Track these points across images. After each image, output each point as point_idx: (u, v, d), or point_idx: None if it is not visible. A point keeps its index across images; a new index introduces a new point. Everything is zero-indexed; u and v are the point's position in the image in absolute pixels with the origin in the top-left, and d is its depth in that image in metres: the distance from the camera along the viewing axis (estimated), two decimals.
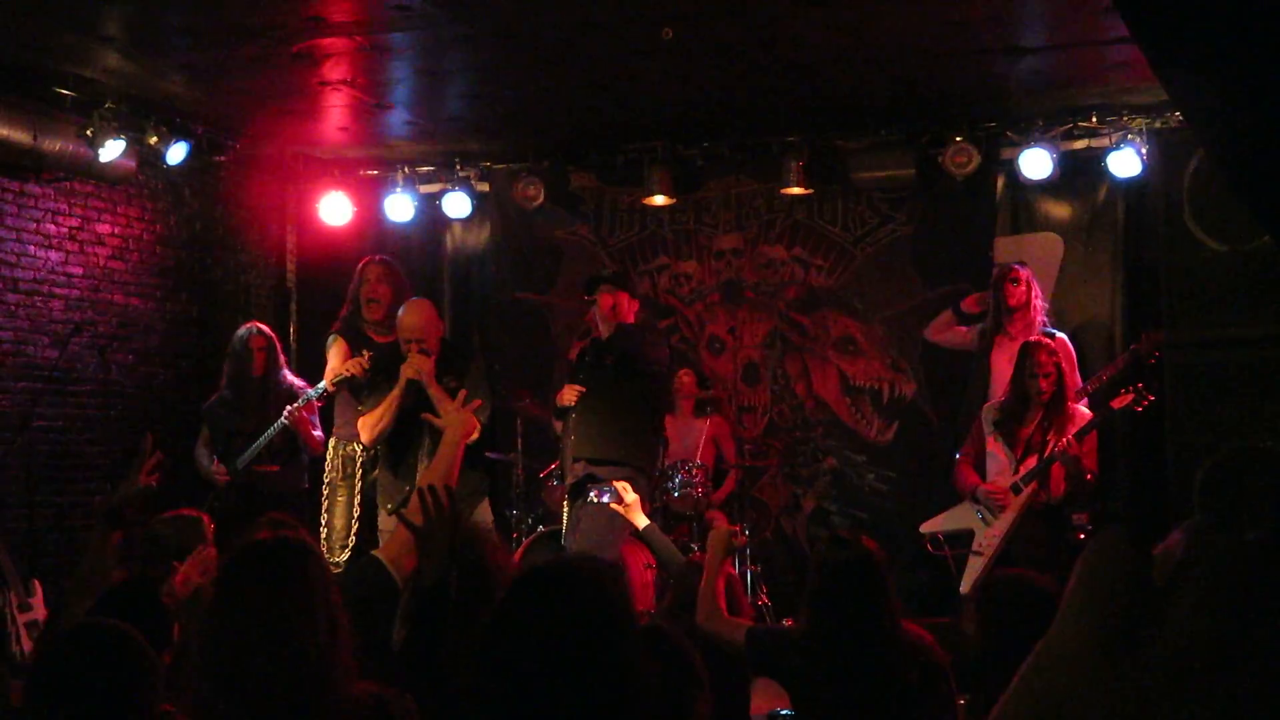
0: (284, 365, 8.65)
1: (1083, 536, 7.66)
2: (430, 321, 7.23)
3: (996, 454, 7.62)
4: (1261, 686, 2.48)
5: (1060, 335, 8.25)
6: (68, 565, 8.60)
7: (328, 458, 8.16)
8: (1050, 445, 7.36)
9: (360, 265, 8.35)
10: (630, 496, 6.24)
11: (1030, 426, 7.52)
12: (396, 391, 7.12)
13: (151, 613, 3.93)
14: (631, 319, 7.64)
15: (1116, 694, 2.50)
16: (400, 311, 7.32)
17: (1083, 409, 7.64)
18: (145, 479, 4.49)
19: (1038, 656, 2.60)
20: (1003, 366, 8.08)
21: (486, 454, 8.96)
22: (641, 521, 6.11)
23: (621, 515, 7.17)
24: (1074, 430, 7.36)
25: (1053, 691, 2.56)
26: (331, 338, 8.18)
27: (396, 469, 7.27)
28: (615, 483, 6.56)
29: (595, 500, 7.11)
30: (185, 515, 5.37)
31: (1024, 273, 8.43)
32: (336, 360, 8.01)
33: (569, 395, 7.45)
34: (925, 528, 7.87)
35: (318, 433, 8.38)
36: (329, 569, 3.18)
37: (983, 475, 7.68)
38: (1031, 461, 7.42)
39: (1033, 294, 8.37)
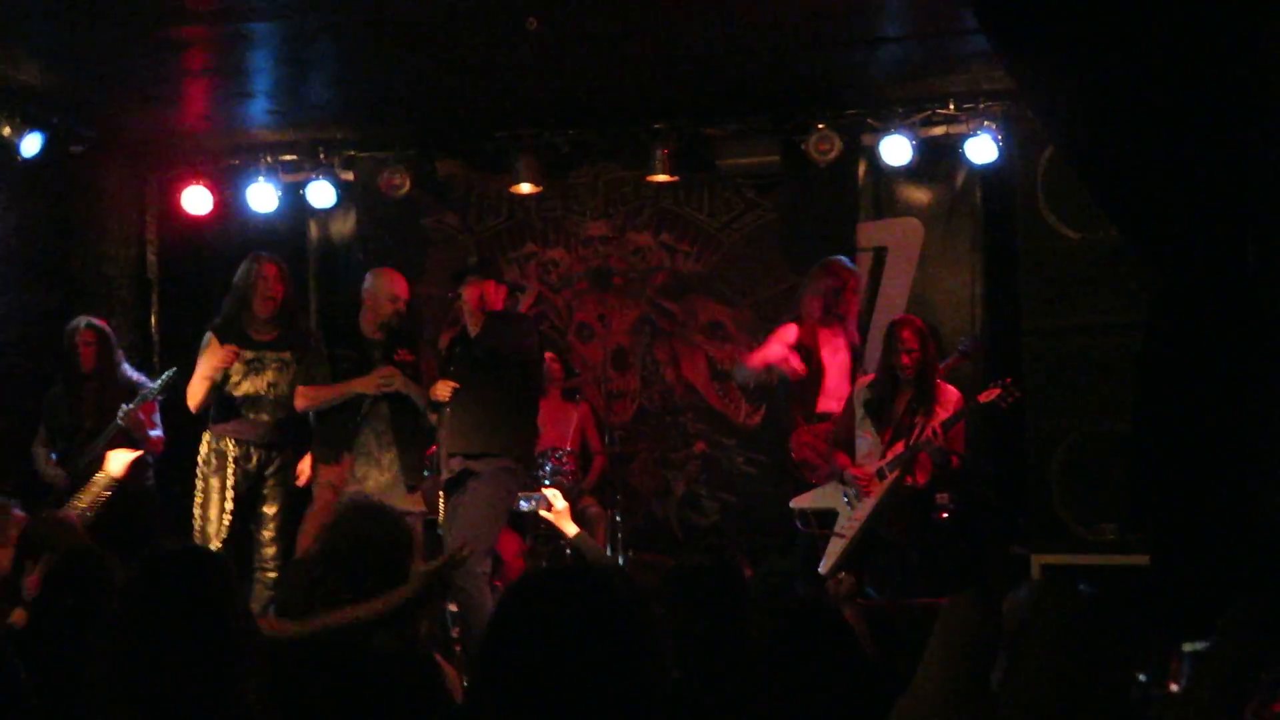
0: (120, 360, 8.35)
1: (945, 515, 7.84)
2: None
3: (865, 436, 7.76)
4: None
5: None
6: None
7: (202, 451, 7.96)
8: (917, 430, 7.51)
9: (254, 262, 8.09)
10: (560, 504, 6.24)
11: (900, 406, 7.65)
12: (357, 389, 7.57)
13: None
14: (500, 306, 7.64)
15: None
16: (379, 280, 7.85)
17: (952, 389, 7.78)
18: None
19: (899, 708, 2.85)
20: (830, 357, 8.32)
21: None
22: (571, 530, 6.12)
23: (499, 506, 7.22)
24: (943, 414, 7.50)
25: None
26: (207, 336, 8.01)
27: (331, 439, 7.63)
28: (544, 489, 6.55)
29: (524, 508, 7.15)
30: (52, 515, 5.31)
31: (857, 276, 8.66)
32: (210, 360, 7.85)
33: (443, 390, 7.45)
34: (795, 503, 8.01)
35: (156, 432, 8.12)
36: (234, 573, 3.19)
37: (852, 454, 7.82)
38: (899, 447, 7.57)
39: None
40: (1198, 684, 2.91)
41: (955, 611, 2.90)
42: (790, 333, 8.51)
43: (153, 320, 10.54)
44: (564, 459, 8.96)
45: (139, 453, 7.48)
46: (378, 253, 10.30)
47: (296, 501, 7.97)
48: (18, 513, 5.36)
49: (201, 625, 3.01)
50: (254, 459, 7.91)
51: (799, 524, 8.00)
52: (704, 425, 9.86)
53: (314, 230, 10.60)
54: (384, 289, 7.85)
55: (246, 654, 3.07)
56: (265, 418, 7.94)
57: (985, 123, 8.84)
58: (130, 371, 8.39)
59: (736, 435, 9.79)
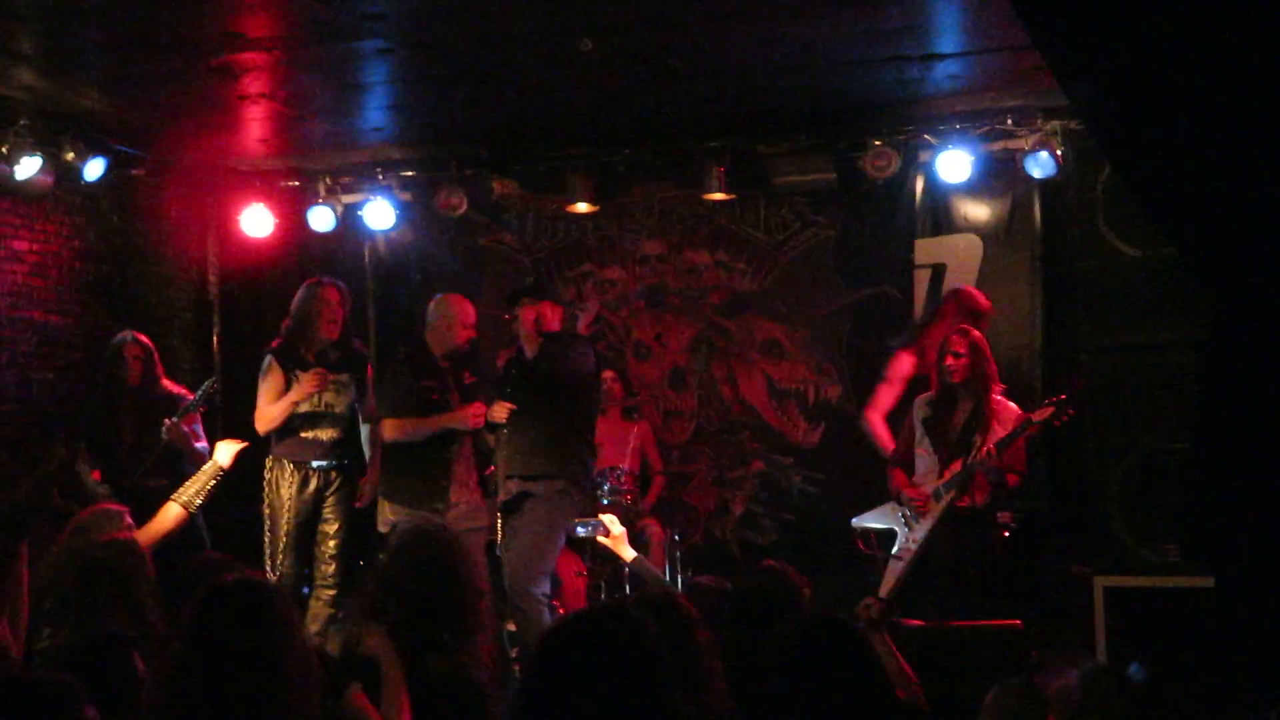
0: (161, 374, 8.34)
1: (1006, 535, 7.75)
2: None
3: (923, 454, 7.68)
4: None
5: None
6: None
7: (267, 478, 7.96)
8: (975, 449, 7.40)
9: (317, 287, 8.11)
10: (616, 530, 6.23)
11: (958, 423, 7.55)
12: (449, 423, 7.74)
13: None
14: (556, 327, 7.67)
15: None
16: (449, 307, 7.94)
17: (1013, 406, 7.64)
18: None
19: None
20: None
21: None
22: (628, 554, 6.11)
23: (556, 528, 7.23)
24: (1000, 431, 7.38)
25: None
26: (267, 360, 8.04)
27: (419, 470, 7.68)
28: (601, 515, 6.54)
29: (580, 534, 7.20)
30: (106, 509, 5.37)
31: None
32: (302, 387, 7.83)
33: (500, 412, 7.50)
34: (856, 522, 7.94)
35: (200, 444, 8.09)
36: (292, 606, 3.22)
37: (910, 472, 7.74)
38: (956, 465, 7.46)
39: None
40: None
41: (1002, 694, 2.89)
42: (905, 365, 8.44)
43: (214, 341, 10.65)
44: (622, 478, 8.97)
45: (245, 444, 7.52)
46: (435, 273, 10.36)
47: (356, 520, 8.03)
48: (129, 520, 5.44)
49: (259, 657, 3.03)
50: (314, 479, 7.94)
51: (861, 544, 7.92)
52: (761, 444, 9.84)
53: (372, 251, 10.66)
54: (456, 316, 7.92)
55: (303, 683, 3.09)
56: (325, 437, 7.97)
57: (1045, 138, 8.75)
58: (170, 385, 8.40)
59: (794, 454, 9.76)
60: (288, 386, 7.88)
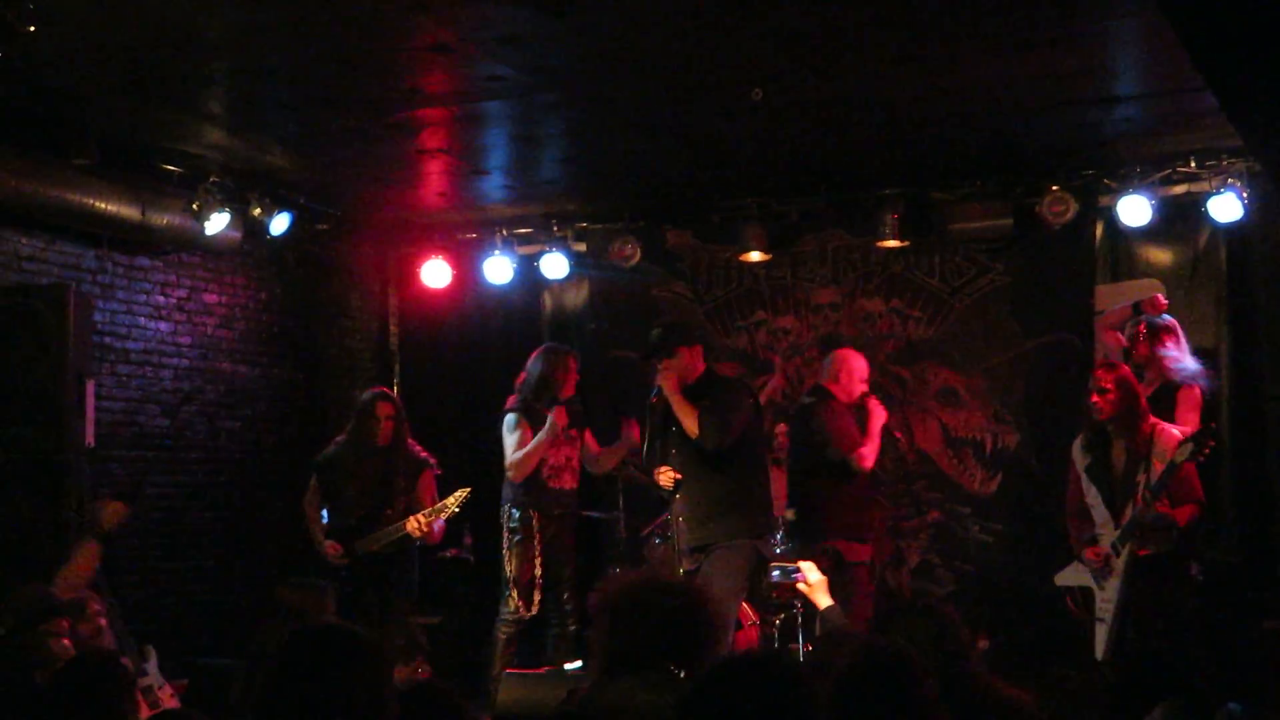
0: (408, 433, 8.49)
1: (1198, 578, 7.47)
2: None
3: (1095, 505, 7.43)
4: None
5: (1195, 385, 7.92)
6: (180, 630, 8.78)
7: (510, 522, 8.43)
8: (1140, 489, 7.15)
9: (557, 355, 8.66)
10: (815, 576, 6.18)
11: (1118, 465, 7.31)
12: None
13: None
14: (701, 365, 7.59)
15: None
16: (851, 364, 8.59)
17: (1173, 430, 7.33)
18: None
19: None
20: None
21: (585, 513, 9.15)
22: (824, 602, 6.05)
23: (738, 579, 7.21)
24: (1160, 466, 7.09)
25: None
26: (514, 418, 8.48)
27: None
28: (802, 563, 6.48)
29: (775, 578, 7.19)
30: (312, 582, 5.47)
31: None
32: (521, 439, 8.36)
33: (665, 480, 7.53)
34: (1059, 579, 7.63)
35: (439, 524, 8.35)
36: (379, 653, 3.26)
37: (1091, 523, 7.49)
38: (1127, 512, 7.22)
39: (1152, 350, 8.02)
40: None
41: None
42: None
43: (394, 391, 10.84)
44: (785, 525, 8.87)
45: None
46: (610, 323, 10.45)
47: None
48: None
49: (342, 700, 3.08)
50: (553, 525, 8.45)
51: (1071, 604, 7.62)
52: (938, 493, 9.70)
53: (548, 301, 10.79)
54: (854, 370, 8.61)
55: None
56: (565, 487, 8.55)
57: (1229, 180, 8.52)
58: (415, 447, 8.53)
59: (971, 503, 9.60)
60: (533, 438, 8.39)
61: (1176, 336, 8.08)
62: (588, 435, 8.71)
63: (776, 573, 7.41)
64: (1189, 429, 7.38)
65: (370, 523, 8.25)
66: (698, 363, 7.55)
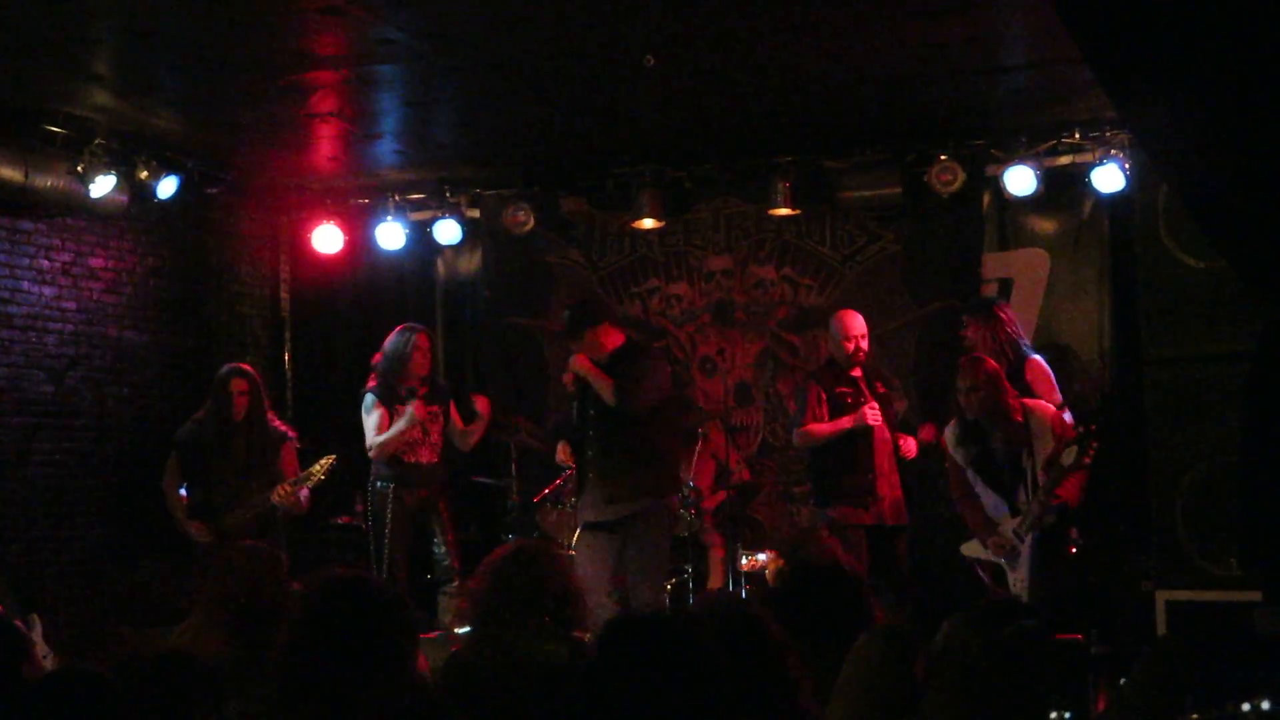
0: (268, 407, 8.64)
1: (1074, 551, 7.67)
2: None
3: (985, 493, 7.56)
4: None
5: (1035, 356, 8.19)
6: (65, 598, 8.67)
7: (372, 495, 8.58)
8: (1028, 473, 7.31)
9: (411, 334, 8.63)
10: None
11: (998, 452, 7.46)
12: None
13: None
14: (613, 339, 7.91)
15: None
16: (844, 323, 8.41)
17: (1045, 407, 7.54)
18: None
19: None
20: None
21: (476, 479, 9.20)
22: None
23: (666, 544, 7.86)
24: (1042, 450, 7.27)
25: None
26: (370, 399, 8.59)
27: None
28: None
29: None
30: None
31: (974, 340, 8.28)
32: (413, 419, 8.46)
33: (562, 456, 8.41)
34: (966, 550, 7.79)
35: (304, 492, 8.42)
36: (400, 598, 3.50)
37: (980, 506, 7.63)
38: (1020, 495, 7.36)
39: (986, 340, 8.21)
40: (1114, 716, 2.85)
41: (864, 646, 2.87)
42: None
43: (286, 357, 10.79)
44: (687, 494, 8.95)
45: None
46: (503, 290, 10.44)
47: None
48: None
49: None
50: (414, 498, 8.57)
51: (981, 574, 7.74)
52: None
53: (441, 267, 10.76)
54: (846, 329, 8.46)
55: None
56: (423, 461, 8.61)
57: (1112, 151, 8.69)
58: (276, 422, 8.65)
59: None
60: (391, 419, 8.50)
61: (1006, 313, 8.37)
62: (453, 410, 8.80)
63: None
64: (1058, 400, 7.70)
65: (234, 499, 8.32)
66: (607, 338, 7.88)
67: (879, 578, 7.81)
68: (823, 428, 8.31)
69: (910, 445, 8.35)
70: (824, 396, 8.35)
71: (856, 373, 8.39)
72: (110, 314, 9.28)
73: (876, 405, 8.24)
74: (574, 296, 9.64)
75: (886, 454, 8.28)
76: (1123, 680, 3.20)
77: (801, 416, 8.43)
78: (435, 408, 8.63)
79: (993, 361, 7.66)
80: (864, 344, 8.38)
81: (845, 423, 8.21)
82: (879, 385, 8.50)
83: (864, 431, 8.22)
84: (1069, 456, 7.19)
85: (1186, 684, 2.83)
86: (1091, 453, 7.20)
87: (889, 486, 8.24)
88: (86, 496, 9.04)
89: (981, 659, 2.71)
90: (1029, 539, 7.35)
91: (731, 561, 8.94)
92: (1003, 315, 8.28)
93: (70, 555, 8.88)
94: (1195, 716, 3.30)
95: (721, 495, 9.37)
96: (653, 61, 7.29)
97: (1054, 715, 3.17)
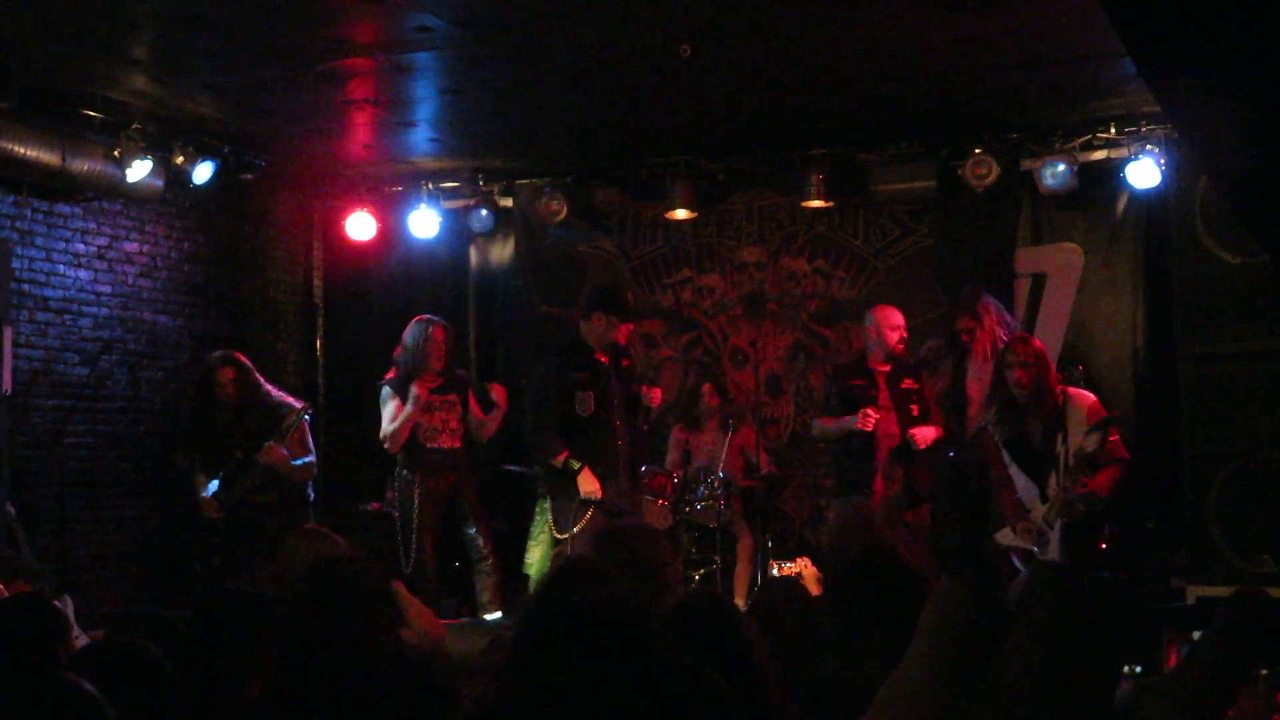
0: (261, 384, 8.48)
1: (1104, 546, 7.62)
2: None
3: (1018, 476, 7.51)
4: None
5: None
6: (98, 580, 8.73)
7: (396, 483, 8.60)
8: (1061, 460, 7.25)
9: (426, 326, 8.52)
10: None
11: (1035, 439, 7.40)
12: None
13: None
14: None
15: None
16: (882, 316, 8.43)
17: (1086, 396, 7.44)
18: None
19: (888, 691, 2.79)
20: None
21: (505, 467, 9.22)
22: None
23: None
24: (1076, 440, 7.22)
25: None
26: (386, 391, 8.52)
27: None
28: None
29: None
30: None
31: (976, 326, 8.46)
32: (393, 411, 8.45)
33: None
34: (1000, 538, 7.74)
35: (304, 459, 8.38)
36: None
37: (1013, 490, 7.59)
38: (1051, 482, 7.31)
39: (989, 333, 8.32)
40: (1186, 671, 2.83)
41: (942, 594, 2.83)
42: None
43: (318, 343, 10.83)
44: (715, 484, 8.95)
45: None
46: (535, 279, 10.45)
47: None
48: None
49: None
50: (441, 483, 8.50)
51: (1017, 563, 7.70)
52: None
53: (474, 255, 10.79)
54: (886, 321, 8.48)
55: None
56: (444, 446, 8.52)
57: (1147, 146, 8.65)
58: (274, 393, 8.53)
59: None
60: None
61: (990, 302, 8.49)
62: (471, 400, 8.72)
63: None
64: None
65: (235, 475, 8.27)
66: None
67: None
68: (828, 423, 8.44)
69: (926, 434, 8.29)
70: (835, 389, 8.42)
71: (885, 366, 8.35)
72: (145, 298, 9.33)
73: (874, 411, 8.16)
74: (602, 283, 9.64)
75: (889, 449, 8.26)
76: (1196, 634, 3.19)
77: (824, 409, 8.56)
78: (452, 396, 8.60)
79: (1039, 342, 7.64)
80: (905, 335, 8.43)
81: (846, 421, 8.23)
82: (907, 380, 8.42)
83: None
84: (1091, 443, 7.14)
85: (1263, 641, 2.81)
86: (1114, 439, 7.15)
87: (885, 481, 8.24)
88: (119, 479, 9.10)
89: (1062, 607, 2.71)
90: (1058, 526, 7.30)
91: (760, 549, 8.95)
92: (990, 306, 8.43)
93: (102, 536, 8.94)
94: (1265, 672, 3.30)
95: (751, 484, 9.38)
96: (689, 52, 7.27)
97: (1125, 669, 3.17)
